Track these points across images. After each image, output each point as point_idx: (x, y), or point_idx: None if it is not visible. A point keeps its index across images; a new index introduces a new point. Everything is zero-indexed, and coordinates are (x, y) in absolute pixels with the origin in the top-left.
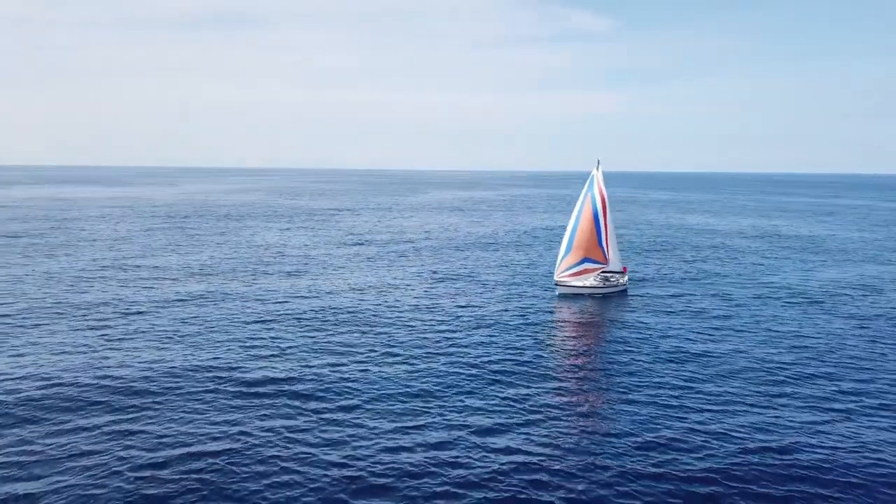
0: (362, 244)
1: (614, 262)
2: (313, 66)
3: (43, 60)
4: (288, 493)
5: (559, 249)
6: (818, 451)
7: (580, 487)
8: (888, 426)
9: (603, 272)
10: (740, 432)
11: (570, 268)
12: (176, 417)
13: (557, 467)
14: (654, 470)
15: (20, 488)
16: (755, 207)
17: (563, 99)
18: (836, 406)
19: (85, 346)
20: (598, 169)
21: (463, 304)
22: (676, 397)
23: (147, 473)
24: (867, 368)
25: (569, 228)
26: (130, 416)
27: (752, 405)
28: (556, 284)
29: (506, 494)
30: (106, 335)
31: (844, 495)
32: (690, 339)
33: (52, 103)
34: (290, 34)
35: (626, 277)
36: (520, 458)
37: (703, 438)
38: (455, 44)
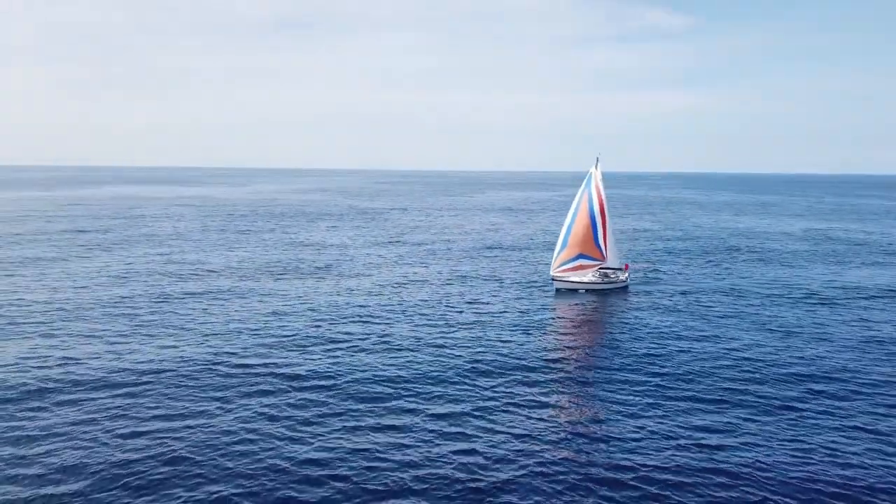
0: (399, 243)
1: (612, 259)
2: (389, 68)
3: (127, 66)
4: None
5: (555, 245)
6: (810, 448)
7: (576, 483)
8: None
9: (601, 268)
10: (732, 432)
11: (565, 263)
12: (180, 400)
13: (553, 461)
14: (646, 464)
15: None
16: (824, 209)
17: (637, 98)
18: (833, 407)
19: (116, 333)
20: (596, 167)
21: (471, 300)
22: (665, 393)
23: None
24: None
25: (565, 225)
26: (138, 400)
27: (734, 405)
28: (553, 280)
29: (500, 488)
30: (135, 325)
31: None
32: (682, 337)
33: (137, 107)
34: (369, 38)
35: (626, 274)
36: (514, 453)
37: (685, 434)
38: (529, 44)
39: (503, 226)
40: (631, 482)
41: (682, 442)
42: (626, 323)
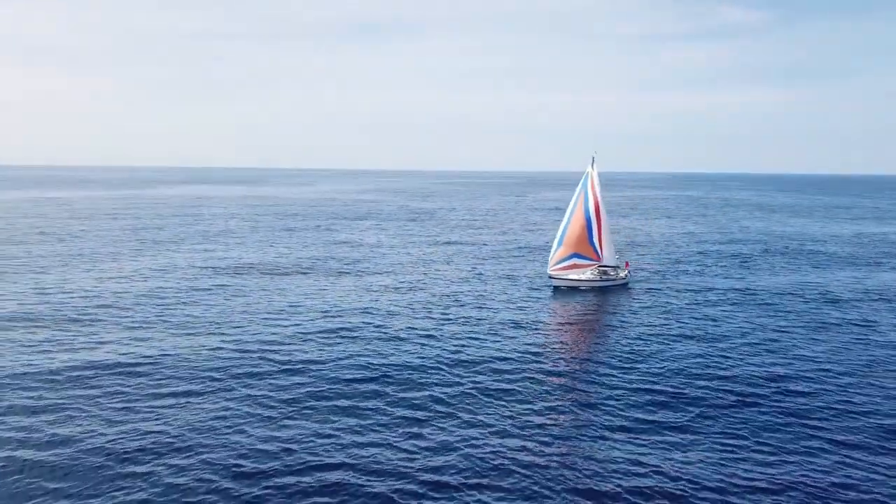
0: (433, 242)
1: (609, 258)
2: (458, 69)
3: (198, 71)
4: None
5: (552, 244)
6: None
7: (571, 480)
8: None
9: (599, 266)
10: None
11: (560, 262)
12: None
13: (548, 459)
14: (641, 464)
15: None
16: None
17: (709, 97)
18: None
19: (135, 322)
20: (592, 167)
21: (479, 296)
22: (656, 392)
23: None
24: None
25: (562, 224)
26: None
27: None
28: (551, 277)
29: (496, 486)
30: (151, 316)
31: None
32: (675, 336)
33: (204, 111)
34: (435, 40)
35: (624, 272)
36: (509, 450)
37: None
38: (597, 43)
39: (542, 225)
40: (622, 482)
41: (673, 443)
42: (622, 321)
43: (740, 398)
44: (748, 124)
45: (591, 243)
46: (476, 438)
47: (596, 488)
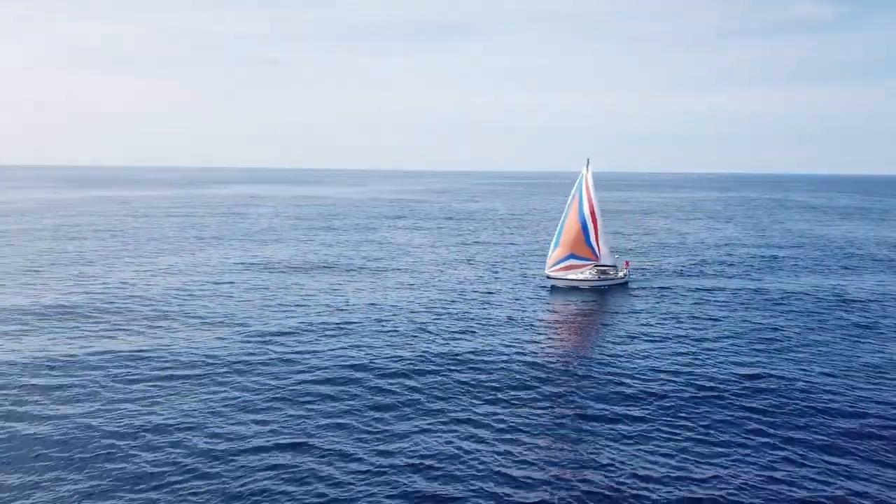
0: (463, 242)
1: (606, 258)
2: (515, 69)
3: (257, 74)
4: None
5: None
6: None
7: (567, 477)
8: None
9: (597, 265)
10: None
11: (557, 263)
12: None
13: (543, 457)
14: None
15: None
16: None
17: (779, 95)
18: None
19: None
20: (587, 168)
21: (485, 291)
22: (648, 393)
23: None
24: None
25: (558, 225)
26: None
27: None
28: (548, 277)
29: (492, 485)
30: (163, 312)
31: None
32: (669, 336)
33: (265, 112)
34: (491, 39)
35: (623, 272)
36: (504, 446)
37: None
38: (660, 41)
39: None
40: (613, 483)
41: (663, 441)
42: (618, 320)
43: (712, 395)
44: (816, 123)
45: (589, 243)
46: (463, 434)
47: (586, 486)
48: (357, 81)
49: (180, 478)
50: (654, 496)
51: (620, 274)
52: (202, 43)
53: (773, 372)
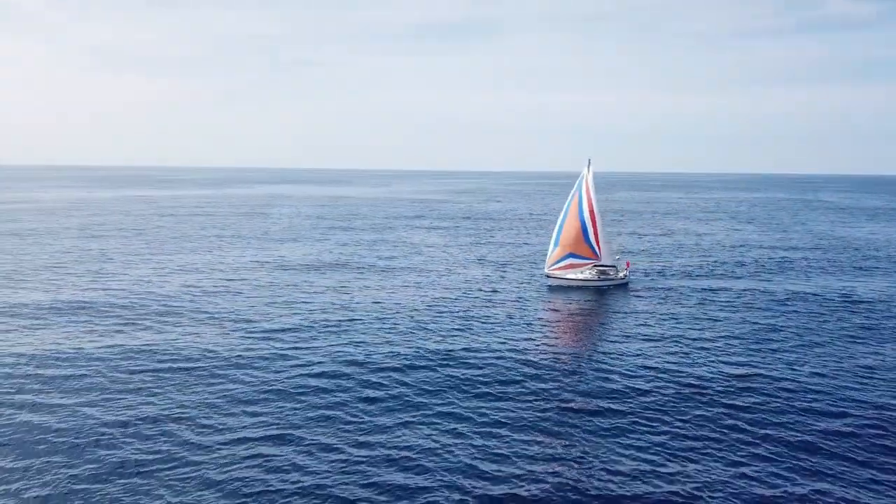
0: (475, 243)
1: (606, 257)
2: (540, 70)
3: (288, 75)
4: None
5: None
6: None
7: (565, 475)
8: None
9: (596, 265)
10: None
11: (557, 262)
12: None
13: (541, 457)
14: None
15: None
16: None
17: (813, 94)
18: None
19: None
20: (588, 169)
21: (489, 290)
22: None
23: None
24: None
25: (557, 225)
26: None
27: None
28: (547, 276)
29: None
30: (167, 310)
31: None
32: (664, 337)
33: (293, 113)
34: (513, 41)
35: (623, 272)
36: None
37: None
38: (688, 39)
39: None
40: (581, 476)
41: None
42: (615, 320)
43: (696, 393)
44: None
45: (588, 243)
46: (444, 427)
47: (554, 479)
48: (385, 82)
49: (164, 465)
50: (618, 490)
51: (621, 274)
52: (235, 45)
53: (762, 371)
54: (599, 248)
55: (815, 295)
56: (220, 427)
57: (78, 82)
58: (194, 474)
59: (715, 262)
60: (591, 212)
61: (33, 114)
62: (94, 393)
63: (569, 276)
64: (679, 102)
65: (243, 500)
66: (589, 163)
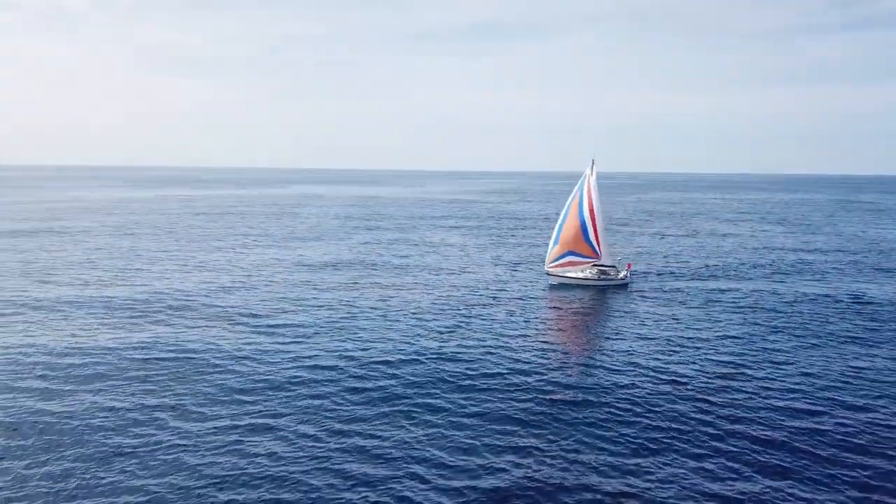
0: (500, 245)
1: (606, 257)
2: (578, 70)
3: (322, 76)
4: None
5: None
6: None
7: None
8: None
9: (596, 265)
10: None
11: (556, 259)
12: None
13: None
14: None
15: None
16: None
17: (866, 92)
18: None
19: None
20: (591, 169)
21: (494, 288)
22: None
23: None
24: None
25: (557, 223)
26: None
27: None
28: (548, 274)
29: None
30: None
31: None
32: (653, 338)
33: (329, 114)
34: (555, 41)
35: (623, 273)
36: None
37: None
38: (732, 37)
39: (629, 225)
40: (542, 467)
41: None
42: (609, 318)
43: (675, 389)
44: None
45: (588, 241)
46: (419, 420)
47: (517, 471)
48: (420, 84)
49: (148, 449)
50: (574, 480)
51: (621, 275)
52: (277, 46)
53: (748, 371)
54: (599, 247)
55: (825, 296)
56: (209, 415)
57: (120, 83)
58: (171, 457)
59: (731, 263)
60: (592, 211)
61: (78, 114)
62: (96, 381)
63: (569, 275)
64: (721, 101)
65: (212, 482)
66: (593, 163)
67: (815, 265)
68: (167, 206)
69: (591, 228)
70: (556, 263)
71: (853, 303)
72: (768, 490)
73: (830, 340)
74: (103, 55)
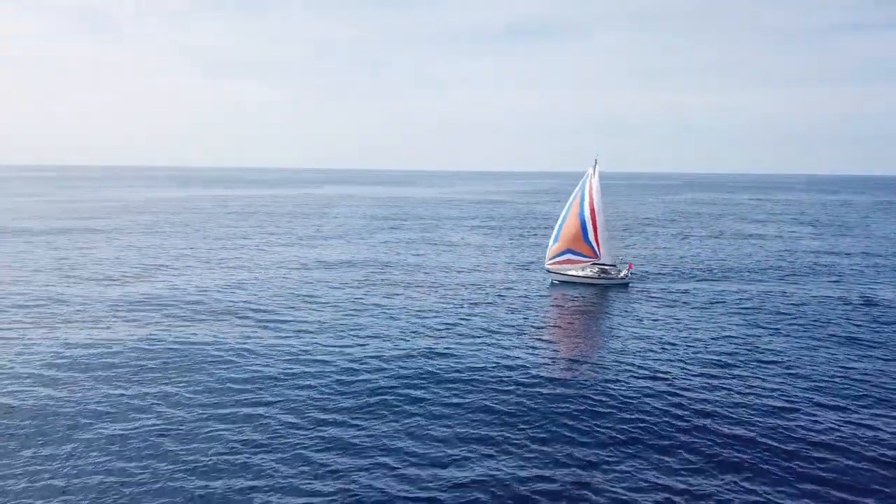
0: (522, 246)
1: (606, 257)
2: (624, 69)
3: (366, 76)
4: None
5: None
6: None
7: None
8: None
9: (595, 264)
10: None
11: (555, 257)
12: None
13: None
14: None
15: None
16: None
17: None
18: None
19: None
20: (593, 168)
21: (499, 286)
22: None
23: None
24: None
25: (558, 221)
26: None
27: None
28: (548, 272)
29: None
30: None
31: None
32: (656, 339)
33: (360, 114)
34: (599, 40)
35: (624, 272)
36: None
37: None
38: (774, 35)
39: (654, 227)
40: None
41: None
42: (605, 317)
43: (653, 385)
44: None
45: (587, 241)
46: (402, 412)
47: (489, 462)
48: (461, 84)
49: (130, 437)
50: (538, 471)
51: (622, 274)
52: (322, 49)
53: (734, 370)
54: (599, 247)
55: (835, 298)
56: (196, 402)
57: (166, 86)
58: (150, 442)
59: (746, 264)
60: (592, 211)
61: (125, 116)
62: (92, 371)
63: (570, 273)
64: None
65: (185, 467)
66: (595, 163)
67: (833, 267)
68: (201, 206)
69: (591, 228)
70: (555, 261)
71: (862, 305)
72: (724, 484)
73: (826, 342)
74: (148, 58)
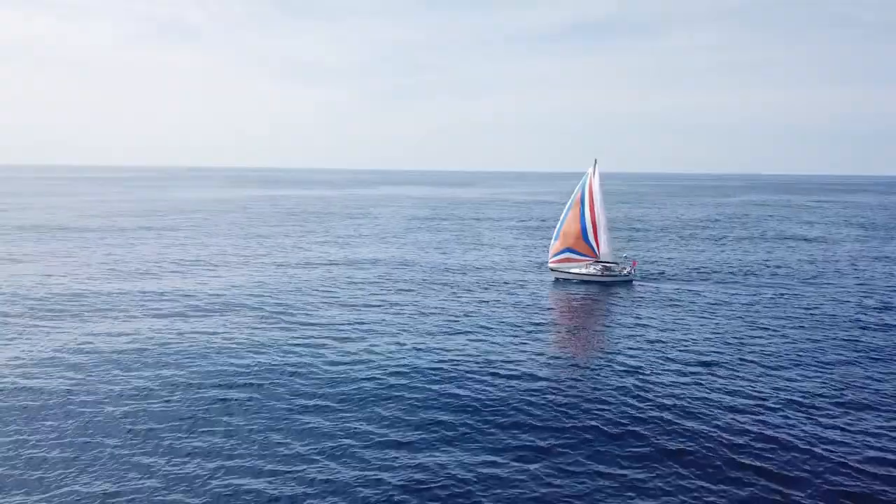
0: (540, 246)
1: (606, 255)
2: (688, 67)
3: (414, 78)
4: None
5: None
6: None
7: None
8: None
9: (597, 261)
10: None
11: (556, 255)
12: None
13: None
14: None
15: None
16: None
17: None
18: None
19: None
20: (593, 168)
21: (500, 284)
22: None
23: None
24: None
25: (559, 220)
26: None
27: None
28: (551, 270)
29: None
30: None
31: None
32: (654, 338)
33: (415, 116)
34: (670, 38)
35: (628, 269)
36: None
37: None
38: (860, 31)
39: (689, 229)
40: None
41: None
42: (602, 316)
43: (639, 383)
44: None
45: (587, 240)
46: (384, 407)
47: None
48: (524, 85)
49: (129, 423)
50: (488, 468)
51: (625, 271)
52: (381, 52)
53: (715, 371)
54: (598, 246)
55: (849, 303)
56: (189, 399)
57: (239, 89)
58: (130, 427)
59: (771, 267)
60: (592, 211)
61: (198, 120)
62: (110, 366)
63: (572, 271)
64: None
65: (151, 455)
66: (595, 163)
67: (865, 272)
68: (251, 205)
69: (591, 228)
70: (556, 259)
71: (877, 311)
72: (671, 480)
73: (824, 344)
74: (223, 63)
